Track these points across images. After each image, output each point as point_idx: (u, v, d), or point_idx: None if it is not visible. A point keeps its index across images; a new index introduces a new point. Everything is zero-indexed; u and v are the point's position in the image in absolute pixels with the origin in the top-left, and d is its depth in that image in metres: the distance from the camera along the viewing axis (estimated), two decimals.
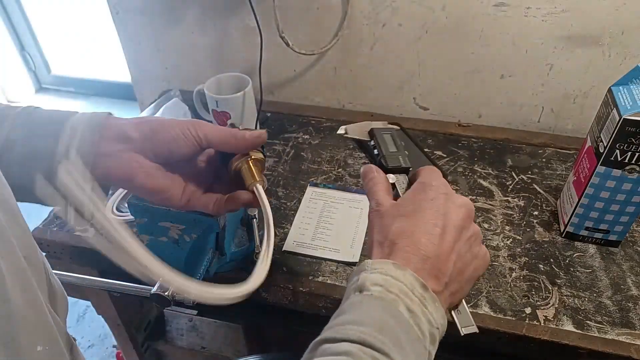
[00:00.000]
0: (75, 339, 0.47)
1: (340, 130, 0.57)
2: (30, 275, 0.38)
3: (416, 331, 0.36)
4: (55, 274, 0.66)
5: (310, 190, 0.83)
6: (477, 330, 0.46)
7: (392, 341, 0.34)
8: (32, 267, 0.39)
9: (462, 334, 0.45)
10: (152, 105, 1.01)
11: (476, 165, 0.88)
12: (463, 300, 0.46)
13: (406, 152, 0.54)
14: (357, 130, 0.57)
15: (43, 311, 0.39)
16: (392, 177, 0.50)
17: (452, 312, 0.46)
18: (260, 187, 0.50)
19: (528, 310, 0.64)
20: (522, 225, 0.76)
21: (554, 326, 0.62)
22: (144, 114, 0.98)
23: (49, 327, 0.40)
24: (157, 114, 0.96)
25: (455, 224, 0.42)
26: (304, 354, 0.37)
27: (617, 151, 0.62)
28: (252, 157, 0.51)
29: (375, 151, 0.54)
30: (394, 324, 0.36)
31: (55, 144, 0.43)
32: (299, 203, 0.80)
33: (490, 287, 0.67)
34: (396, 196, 0.49)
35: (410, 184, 0.50)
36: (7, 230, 0.36)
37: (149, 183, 0.47)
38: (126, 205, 0.80)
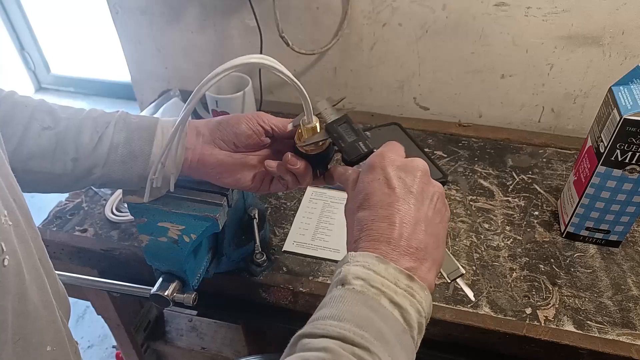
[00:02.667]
0: (78, 343, 0.47)
1: (320, 190, 0.56)
2: (44, 276, 0.39)
3: (401, 323, 0.36)
4: (55, 274, 0.66)
5: (310, 190, 0.83)
6: (463, 272, 0.45)
7: (374, 335, 0.34)
8: (44, 268, 0.40)
9: (449, 281, 0.45)
10: (152, 105, 1.01)
11: (476, 165, 0.88)
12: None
13: (367, 132, 0.53)
14: (314, 138, 0.53)
15: (54, 312, 0.40)
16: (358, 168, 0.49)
17: None
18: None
19: (528, 310, 0.64)
20: (523, 225, 0.76)
21: (555, 326, 0.62)
22: (144, 113, 0.98)
23: (58, 329, 0.40)
24: (157, 114, 0.96)
25: (412, 191, 0.42)
26: (285, 348, 0.37)
27: (618, 151, 0.62)
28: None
29: (336, 148, 0.52)
30: (376, 318, 0.35)
31: (150, 147, 0.52)
32: (299, 203, 0.80)
33: (490, 287, 0.67)
34: None
35: None
36: (26, 233, 0.38)
37: (218, 167, 0.54)
38: (126, 205, 0.80)
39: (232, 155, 0.54)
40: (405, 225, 0.40)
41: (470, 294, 0.48)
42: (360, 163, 0.49)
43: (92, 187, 0.67)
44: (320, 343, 0.34)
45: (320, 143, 0.52)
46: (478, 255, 0.71)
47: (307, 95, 0.50)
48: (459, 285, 0.47)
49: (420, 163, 0.43)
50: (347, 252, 0.41)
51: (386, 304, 0.36)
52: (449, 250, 0.44)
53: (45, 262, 0.42)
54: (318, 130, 0.52)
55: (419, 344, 0.38)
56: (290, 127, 0.54)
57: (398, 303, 0.37)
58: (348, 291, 0.37)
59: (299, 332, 0.36)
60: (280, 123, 0.55)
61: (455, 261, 0.45)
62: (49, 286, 0.40)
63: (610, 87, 0.64)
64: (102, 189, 0.83)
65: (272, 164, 0.54)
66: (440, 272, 0.44)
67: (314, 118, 0.52)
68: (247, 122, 0.54)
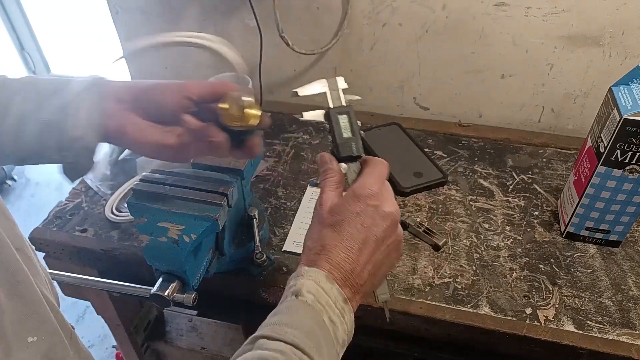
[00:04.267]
0: (73, 327, 0.47)
1: (299, 115, 0.56)
2: (23, 266, 0.39)
3: (332, 338, 0.43)
4: (55, 274, 0.66)
5: (310, 190, 0.83)
6: (389, 298, 0.52)
7: (316, 346, 0.41)
8: (25, 257, 0.40)
9: (379, 302, 0.52)
10: None
11: (476, 165, 0.88)
12: None
13: (361, 131, 0.54)
14: (314, 113, 0.56)
15: (36, 302, 0.39)
16: (343, 167, 0.52)
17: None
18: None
19: (528, 310, 0.64)
20: (523, 225, 0.76)
21: (555, 326, 0.62)
22: None
23: (44, 317, 0.40)
24: None
25: (377, 236, 0.47)
26: (241, 345, 0.43)
27: (618, 151, 0.62)
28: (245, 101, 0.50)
29: (330, 136, 0.54)
30: (319, 331, 0.42)
31: (65, 116, 0.49)
32: (299, 203, 0.80)
33: (490, 287, 0.67)
34: (345, 186, 0.52)
35: (360, 172, 0.52)
36: None
37: (140, 137, 0.51)
38: (126, 205, 0.80)
39: (154, 125, 0.52)
40: (358, 264, 0.46)
41: (387, 316, 0.54)
42: (347, 166, 0.52)
43: (14, 164, 0.58)
44: (276, 346, 0.40)
45: (251, 121, 0.50)
46: (478, 255, 0.71)
47: (246, 75, 0.50)
48: (385, 308, 0.53)
49: (395, 211, 0.49)
50: (304, 257, 0.48)
51: (326, 320, 0.43)
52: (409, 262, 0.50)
53: (26, 250, 0.42)
54: (249, 115, 0.50)
55: (340, 357, 0.45)
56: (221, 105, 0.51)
57: (334, 321, 0.43)
58: (301, 303, 0.43)
59: (258, 333, 0.42)
60: (208, 95, 0.53)
61: (387, 286, 0.52)
62: (32, 274, 0.40)
63: (610, 87, 0.64)
64: (102, 190, 0.83)
65: (193, 123, 0.51)
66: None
67: (247, 101, 0.50)
68: (172, 95, 0.52)
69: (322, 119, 0.55)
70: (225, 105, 0.50)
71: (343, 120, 0.53)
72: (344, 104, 0.55)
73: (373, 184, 0.49)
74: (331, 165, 0.52)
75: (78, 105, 0.50)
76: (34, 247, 0.47)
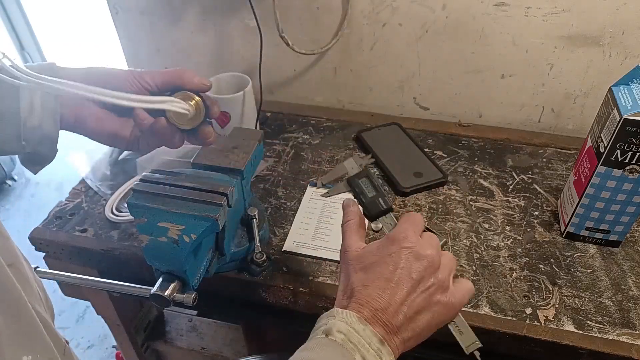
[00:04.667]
0: (67, 341, 0.47)
1: (325, 195, 0.61)
2: (16, 283, 0.38)
3: None
4: (55, 274, 0.66)
5: (310, 190, 0.83)
6: (480, 345, 0.49)
7: None
8: (18, 274, 0.39)
9: (467, 353, 0.49)
10: None
11: (476, 165, 0.88)
12: (461, 316, 0.49)
13: (385, 187, 0.57)
14: (337, 188, 0.60)
15: (29, 319, 0.39)
16: (377, 224, 0.55)
17: (452, 331, 0.49)
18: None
19: (528, 310, 0.64)
20: (523, 225, 0.76)
21: (555, 326, 0.62)
22: None
23: (37, 335, 0.39)
24: None
25: (412, 277, 0.45)
26: None
27: (618, 151, 0.62)
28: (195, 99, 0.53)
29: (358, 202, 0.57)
30: None
31: (17, 103, 0.49)
32: (299, 203, 0.80)
33: (490, 287, 0.67)
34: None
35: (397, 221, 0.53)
36: None
37: (98, 127, 0.54)
38: (126, 205, 0.80)
39: (111, 114, 0.54)
40: (391, 303, 0.44)
41: None
42: (381, 220, 0.55)
43: None
44: None
45: (194, 121, 0.55)
46: (478, 255, 0.71)
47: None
48: (476, 356, 0.51)
49: (433, 254, 0.47)
50: (337, 302, 0.47)
51: (358, 359, 0.41)
52: (457, 274, 0.49)
53: (20, 266, 0.41)
54: (188, 113, 0.54)
55: None
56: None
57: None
58: (331, 342, 0.42)
59: None
60: (163, 84, 0.54)
61: (473, 333, 0.50)
62: (25, 292, 0.39)
63: (610, 87, 0.64)
64: (102, 190, 0.83)
65: (144, 118, 0.53)
66: (458, 343, 0.49)
67: (191, 107, 0.54)
68: (128, 84, 0.53)
69: (345, 190, 0.58)
70: (171, 108, 0.53)
71: (364, 182, 0.57)
72: (359, 169, 0.59)
73: (407, 228, 0.48)
74: (352, 208, 0.53)
75: (32, 94, 0.50)
76: (28, 260, 0.46)
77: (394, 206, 0.79)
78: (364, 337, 0.42)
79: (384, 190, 0.57)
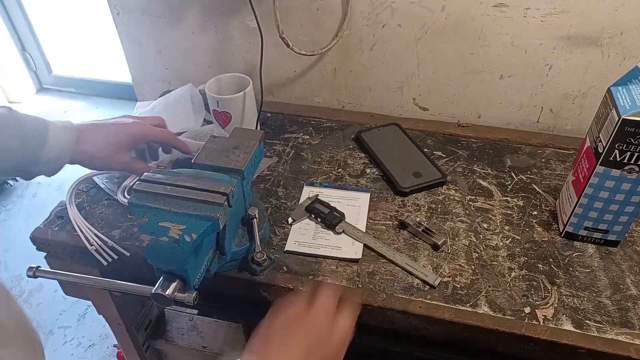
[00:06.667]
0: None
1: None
2: None
3: None
4: (57, 273, 0.66)
5: (307, 189, 0.83)
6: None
7: None
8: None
9: None
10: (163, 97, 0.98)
11: (475, 166, 0.88)
12: None
13: (334, 206, 0.77)
14: (297, 213, 0.78)
15: None
16: (339, 229, 0.75)
17: None
18: None
19: (527, 309, 0.64)
20: (521, 225, 0.76)
21: (553, 326, 0.62)
22: (155, 103, 0.96)
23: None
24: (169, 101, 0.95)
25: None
26: None
27: (616, 151, 0.63)
28: None
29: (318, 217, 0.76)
30: None
31: (42, 151, 0.63)
32: (299, 203, 0.81)
33: (489, 286, 0.67)
34: None
35: None
36: None
37: (92, 165, 0.73)
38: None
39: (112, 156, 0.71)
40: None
41: None
42: (341, 226, 0.74)
43: None
44: None
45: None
46: (477, 255, 0.71)
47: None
48: None
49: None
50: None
51: None
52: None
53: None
54: None
55: None
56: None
57: None
58: None
59: None
60: (157, 143, 0.77)
61: None
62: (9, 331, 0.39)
63: (609, 87, 0.65)
64: (108, 187, 0.83)
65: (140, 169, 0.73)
66: None
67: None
68: (130, 139, 0.72)
69: (306, 215, 0.77)
70: None
71: (317, 204, 0.78)
72: (310, 200, 0.79)
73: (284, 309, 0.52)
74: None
75: (56, 140, 0.64)
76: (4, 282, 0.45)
77: (393, 206, 0.79)
78: None
79: (333, 207, 0.77)
